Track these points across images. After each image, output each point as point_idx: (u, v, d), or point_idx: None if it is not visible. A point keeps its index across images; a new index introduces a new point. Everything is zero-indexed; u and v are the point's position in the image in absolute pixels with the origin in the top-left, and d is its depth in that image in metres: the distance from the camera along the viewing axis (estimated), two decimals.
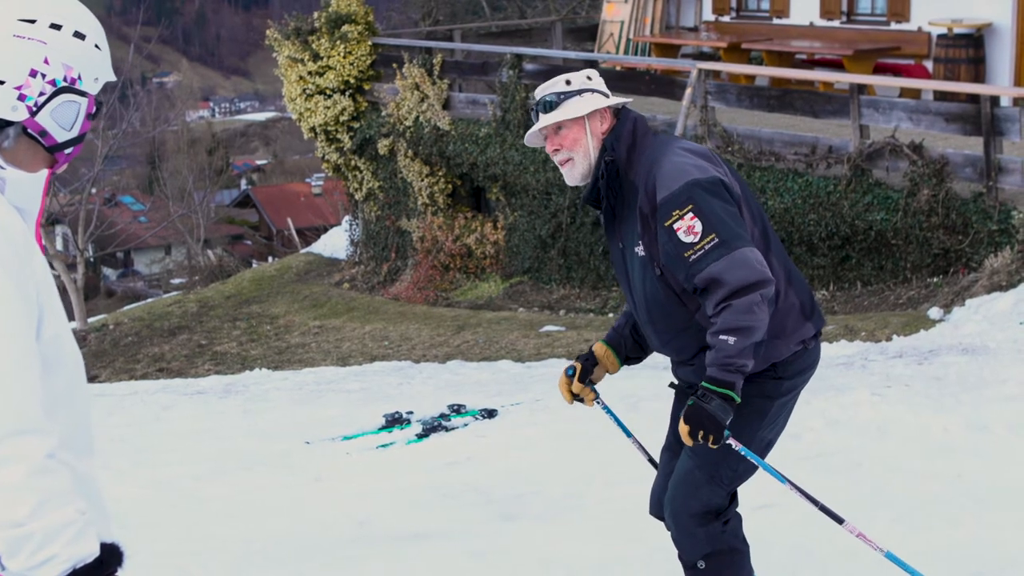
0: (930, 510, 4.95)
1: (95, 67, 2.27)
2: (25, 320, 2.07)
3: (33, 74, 2.19)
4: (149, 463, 7.27)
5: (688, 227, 3.25)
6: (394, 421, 7.84)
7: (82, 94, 2.25)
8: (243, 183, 56.10)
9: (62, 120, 2.24)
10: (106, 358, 15.71)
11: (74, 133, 2.27)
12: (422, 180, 16.15)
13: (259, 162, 63.78)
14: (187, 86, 77.09)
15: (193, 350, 15.29)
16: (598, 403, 3.76)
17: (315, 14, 16.91)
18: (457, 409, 7.95)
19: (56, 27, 2.21)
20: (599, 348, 3.74)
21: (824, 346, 9.27)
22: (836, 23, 15.20)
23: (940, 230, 10.88)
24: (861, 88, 11.76)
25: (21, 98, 2.18)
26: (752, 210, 3.42)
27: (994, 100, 10.71)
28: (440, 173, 16.03)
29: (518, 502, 5.74)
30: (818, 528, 4.65)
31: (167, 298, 19.93)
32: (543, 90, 3.49)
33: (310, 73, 16.71)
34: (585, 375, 3.72)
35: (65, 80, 2.22)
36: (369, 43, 16.68)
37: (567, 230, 14.32)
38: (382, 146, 16.49)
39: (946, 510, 4.93)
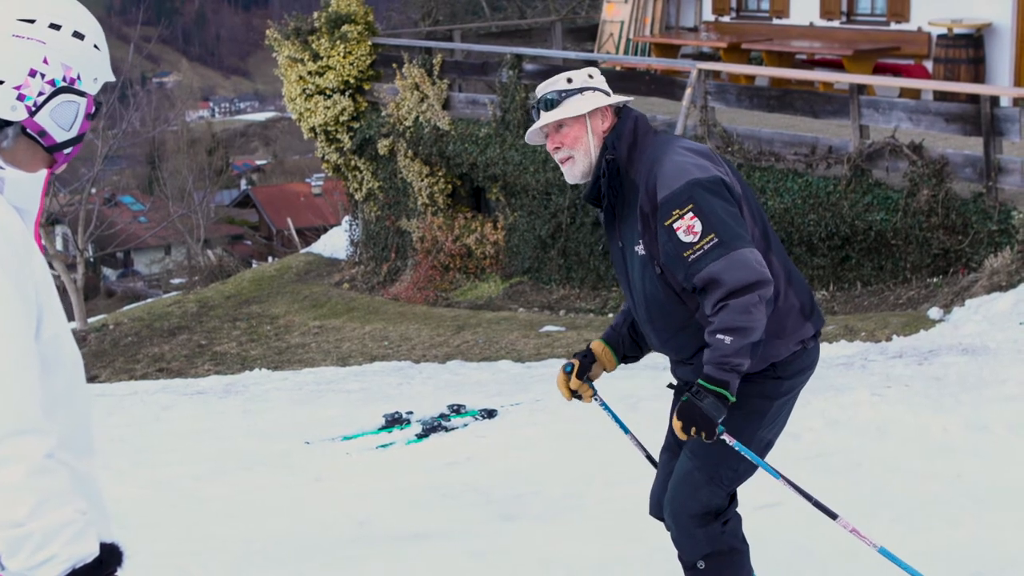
0: (930, 510, 4.95)
1: (94, 67, 2.27)
2: (24, 320, 2.07)
3: (32, 74, 2.19)
4: (149, 463, 7.27)
5: (688, 227, 3.25)
6: (394, 421, 7.84)
7: (81, 94, 2.26)
8: (243, 183, 56.11)
9: (61, 120, 2.24)
10: (106, 358, 15.71)
11: (73, 133, 2.27)
12: (422, 180, 16.15)
13: (259, 162, 63.79)
14: (187, 86, 77.10)
15: (193, 350, 15.29)
16: (596, 400, 3.77)
17: (315, 14, 16.91)
18: (457, 409, 7.95)
19: (55, 27, 2.21)
20: (597, 346, 3.74)
21: (824, 346, 9.28)
22: (836, 23, 15.20)
23: (940, 230, 10.88)
24: (861, 88, 11.76)
25: (20, 98, 2.18)
26: (752, 210, 3.42)
27: (994, 100, 10.71)
28: (440, 173, 16.03)
29: (518, 502, 5.74)
30: (818, 528, 4.65)
31: (167, 298, 19.93)
32: (544, 88, 3.49)
33: (310, 73, 16.71)
34: (583, 372, 3.72)
35: (64, 80, 2.22)
36: (369, 43, 16.68)
37: (567, 230, 14.32)
38: (382, 146, 16.49)
39: (946, 510, 4.93)
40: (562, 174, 3.56)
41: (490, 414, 7.80)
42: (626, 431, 3.84)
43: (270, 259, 30.78)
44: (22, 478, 1.99)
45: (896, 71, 13.97)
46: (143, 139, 36.92)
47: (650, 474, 3.85)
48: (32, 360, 2.07)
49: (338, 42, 16.51)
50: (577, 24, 20.18)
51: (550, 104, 3.46)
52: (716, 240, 3.22)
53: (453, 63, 16.07)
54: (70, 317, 19.08)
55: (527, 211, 14.84)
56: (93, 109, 2.30)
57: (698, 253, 3.23)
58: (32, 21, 2.19)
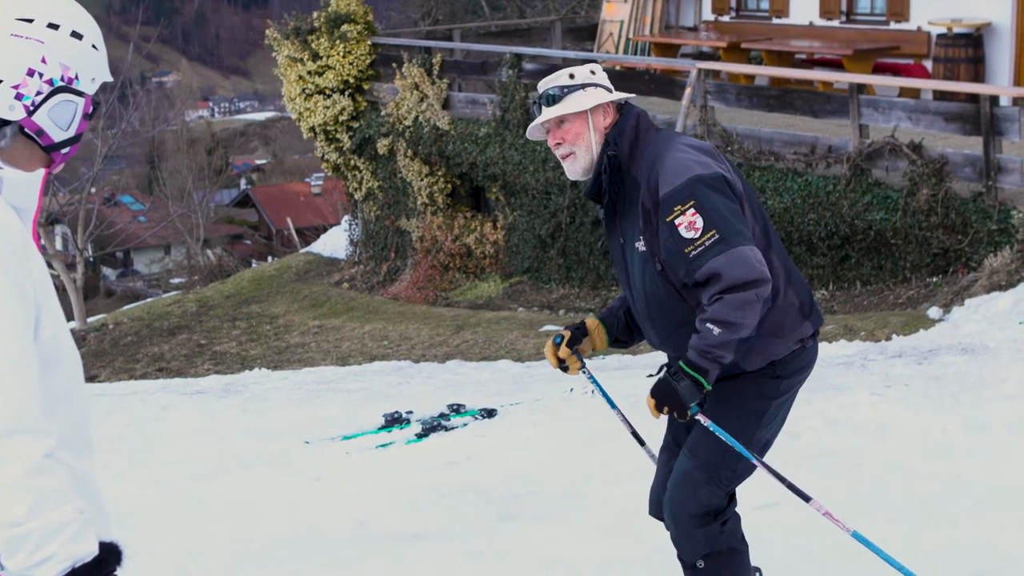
0: (929, 510, 4.95)
1: (92, 67, 2.27)
2: (23, 320, 2.07)
3: (31, 73, 2.19)
4: (148, 463, 7.27)
5: (689, 223, 3.25)
6: (393, 421, 7.84)
7: (79, 94, 2.25)
8: (242, 183, 56.10)
9: (59, 120, 2.24)
10: (105, 358, 15.71)
11: (71, 133, 2.27)
12: (421, 180, 16.15)
13: (258, 162, 63.78)
14: (186, 86, 77.12)
15: (192, 350, 15.29)
16: (583, 372, 3.75)
17: (314, 14, 16.90)
18: (456, 409, 7.95)
19: (54, 27, 2.21)
20: (591, 322, 3.74)
21: (824, 346, 9.28)
22: (835, 23, 15.20)
23: (939, 230, 10.88)
24: (860, 88, 11.76)
25: (18, 97, 2.18)
26: (753, 208, 3.42)
27: (993, 100, 10.71)
28: (439, 173, 16.03)
29: (517, 502, 5.74)
30: (818, 528, 4.65)
31: (166, 298, 19.93)
32: (546, 84, 3.48)
33: (309, 73, 16.71)
34: (573, 343, 3.71)
35: (62, 80, 2.22)
36: (368, 43, 16.67)
37: (566, 230, 14.32)
38: (381, 146, 16.49)
39: (945, 510, 4.93)
40: (562, 173, 3.57)
41: (490, 414, 7.80)
42: (613, 406, 3.84)
43: (270, 259, 30.78)
44: (21, 478, 1.99)
45: (896, 71, 13.96)
46: (143, 139, 36.94)
47: (649, 474, 3.85)
48: (31, 360, 2.07)
49: (338, 42, 16.51)
50: (577, 23, 20.18)
51: (552, 100, 3.45)
52: (717, 236, 3.22)
53: (453, 63, 16.07)
54: (69, 317, 19.08)
55: (527, 211, 14.84)
56: (91, 109, 2.30)
57: (699, 249, 3.23)
58: (30, 21, 2.19)
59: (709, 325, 3.22)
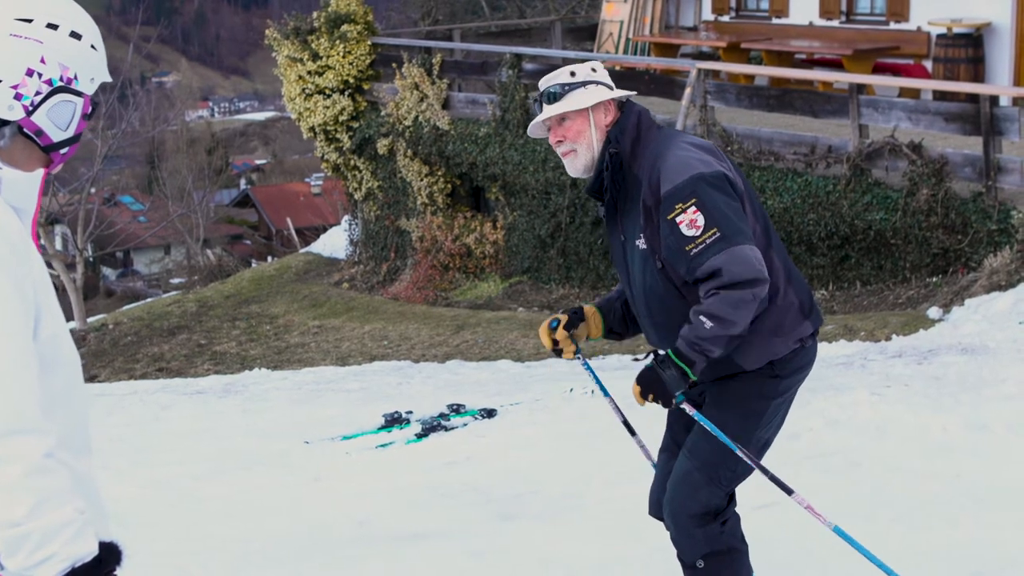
0: (929, 510, 4.95)
1: (91, 67, 2.27)
2: (23, 319, 2.07)
3: (30, 73, 2.19)
4: (148, 463, 7.28)
5: (690, 221, 3.25)
6: (393, 421, 7.84)
7: (78, 94, 2.25)
8: (242, 183, 56.10)
9: (58, 120, 2.24)
10: (105, 358, 15.71)
11: (70, 133, 2.27)
12: (421, 180, 16.15)
13: (258, 162, 63.77)
14: (186, 86, 77.12)
15: (192, 350, 15.29)
16: (578, 358, 3.74)
17: (314, 14, 16.90)
18: (456, 409, 7.96)
19: (53, 27, 2.21)
20: (588, 309, 3.74)
21: (823, 346, 9.28)
22: (835, 23, 15.20)
23: (939, 230, 10.87)
24: (860, 88, 11.76)
25: (17, 97, 2.18)
26: (754, 207, 3.42)
27: (993, 100, 10.71)
28: (439, 173, 16.03)
29: (517, 502, 5.74)
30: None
31: (166, 298, 19.93)
32: (547, 81, 3.48)
33: (309, 73, 16.70)
34: (569, 327, 3.70)
35: (61, 80, 2.22)
36: (368, 43, 16.67)
37: (566, 230, 14.32)
38: (381, 146, 16.49)
39: (945, 510, 4.93)
40: (562, 173, 3.57)
41: (489, 414, 7.80)
42: (606, 394, 3.84)
43: (269, 259, 30.78)
44: (21, 478, 1.99)
45: (895, 71, 13.96)
46: (142, 139, 36.93)
47: (649, 474, 3.85)
48: (31, 359, 2.07)
49: (337, 42, 16.50)
50: (576, 23, 20.18)
51: (553, 97, 3.45)
52: (718, 235, 3.22)
53: (452, 63, 16.07)
54: (69, 317, 19.07)
55: (526, 211, 14.84)
56: (90, 109, 2.30)
57: (700, 247, 3.24)
58: (30, 21, 2.19)
59: (702, 318, 3.23)
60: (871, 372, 7.94)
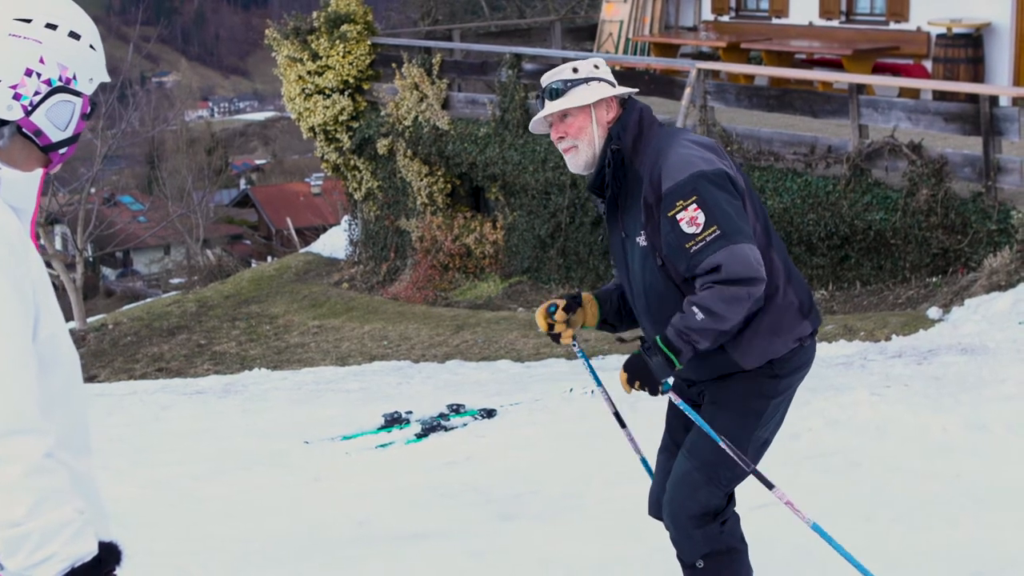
0: (929, 510, 4.95)
1: (90, 67, 2.28)
2: (22, 319, 2.07)
3: (28, 73, 2.19)
4: (148, 463, 7.27)
5: (691, 218, 3.25)
6: (393, 421, 7.84)
7: (77, 94, 2.25)
8: (242, 183, 56.10)
9: (57, 120, 2.24)
10: (105, 358, 15.71)
11: (69, 133, 2.27)
12: (421, 180, 16.15)
13: (258, 162, 63.77)
14: (186, 86, 77.12)
15: (192, 350, 15.29)
16: (573, 344, 3.72)
17: (314, 14, 16.90)
18: (456, 409, 7.96)
19: (52, 27, 2.21)
20: (586, 296, 3.72)
21: (823, 346, 9.28)
22: (835, 23, 15.20)
23: (939, 230, 10.88)
24: (860, 88, 11.76)
25: (16, 97, 2.18)
26: (754, 206, 3.42)
27: (993, 100, 10.71)
28: (439, 173, 16.03)
29: (517, 502, 5.74)
30: None
31: (166, 298, 19.93)
32: (550, 77, 3.47)
33: (309, 73, 16.70)
34: (568, 310, 3.68)
35: (60, 80, 2.22)
36: (368, 43, 16.67)
37: (566, 230, 14.32)
38: (381, 146, 16.49)
39: (945, 510, 4.93)
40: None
41: (489, 414, 7.80)
42: (598, 383, 3.83)
43: (269, 259, 30.78)
44: (20, 478, 1.99)
45: (895, 71, 13.96)
46: (142, 139, 36.91)
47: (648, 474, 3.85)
48: (30, 359, 2.07)
49: (337, 42, 16.50)
50: (576, 23, 20.18)
51: (555, 93, 3.44)
52: (718, 232, 3.23)
53: (452, 63, 16.07)
54: (69, 317, 19.07)
55: (526, 211, 14.84)
56: (88, 109, 2.30)
57: (700, 245, 3.24)
58: (28, 21, 2.19)
59: (695, 309, 3.24)
60: (871, 372, 7.94)
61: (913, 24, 14.22)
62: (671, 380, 3.45)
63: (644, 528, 4.12)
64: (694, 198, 3.25)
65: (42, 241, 20.96)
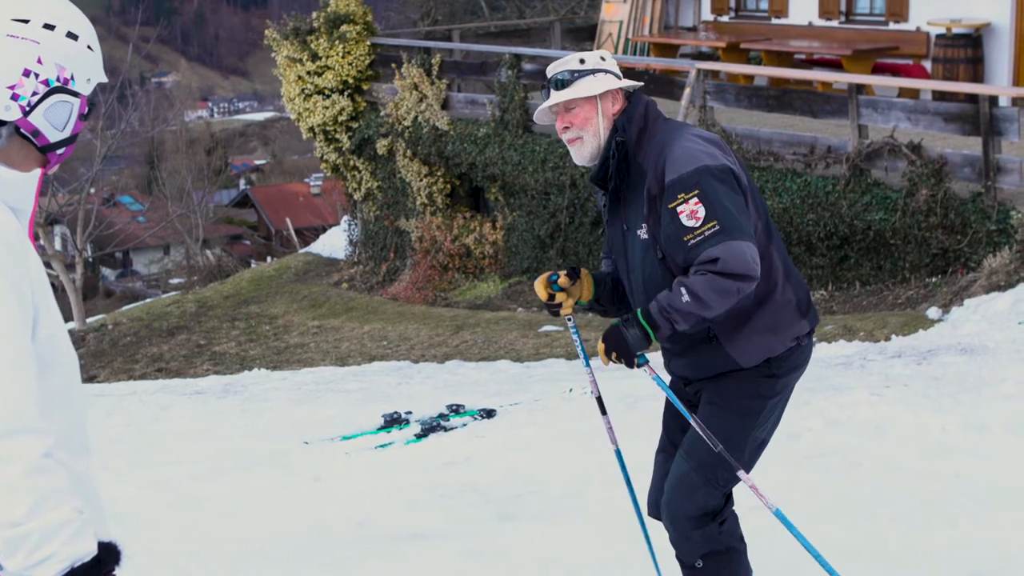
0: (929, 510, 4.95)
1: (88, 68, 2.28)
2: (21, 320, 2.07)
3: (26, 74, 2.19)
4: (147, 463, 7.27)
5: (691, 211, 3.25)
6: (393, 421, 7.84)
7: (75, 94, 2.26)
8: (242, 183, 56.10)
9: (55, 120, 2.24)
10: (105, 358, 15.71)
11: (67, 133, 2.27)
12: (421, 180, 16.15)
13: (258, 162, 63.77)
14: (186, 86, 77.11)
15: (192, 350, 15.29)
16: (569, 318, 3.71)
17: (314, 14, 16.90)
18: (456, 409, 7.95)
19: (49, 27, 2.21)
20: (584, 271, 3.71)
21: (823, 346, 9.28)
22: (835, 23, 15.20)
23: (939, 230, 10.88)
24: (860, 88, 11.76)
25: (14, 97, 2.18)
26: (756, 203, 3.42)
27: (993, 100, 10.71)
28: (439, 173, 16.03)
29: (517, 502, 5.73)
30: (818, 528, 4.65)
31: (166, 298, 19.92)
32: (556, 68, 3.47)
33: (309, 73, 16.70)
34: (569, 279, 3.64)
35: (58, 80, 2.22)
36: (368, 43, 16.67)
37: (566, 230, 14.32)
38: (381, 146, 16.49)
39: (945, 510, 4.93)
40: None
41: (489, 414, 7.80)
42: (587, 363, 3.82)
43: (269, 259, 30.78)
44: (20, 478, 1.99)
45: (895, 71, 13.96)
46: (142, 139, 36.90)
47: (648, 473, 3.84)
48: (29, 360, 2.07)
49: (337, 42, 16.51)
50: (576, 24, 20.18)
51: (561, 84, 3.44)
52: (717, 228, 3.23)
53: (452, 63, 16.07)
54: (68, 317, 19.07)
55: (526, 211, 14.84)
56: (86, 109, 2.30)
57: (698, 238, 3.24)
58: (26, 21, 2.19)
59: (683, 290, 3.25)
60: (870, 372, 7.94)
61: (912, 24, 14.22)
62: (647, 354, 3.45)
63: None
64: (696, 192, 3.26)
65: (41, 241, 20.95)
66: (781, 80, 13.73)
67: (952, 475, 5.38)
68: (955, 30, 13.40)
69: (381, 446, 7.33)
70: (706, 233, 3.23)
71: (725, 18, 16.67)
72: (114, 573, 2.12)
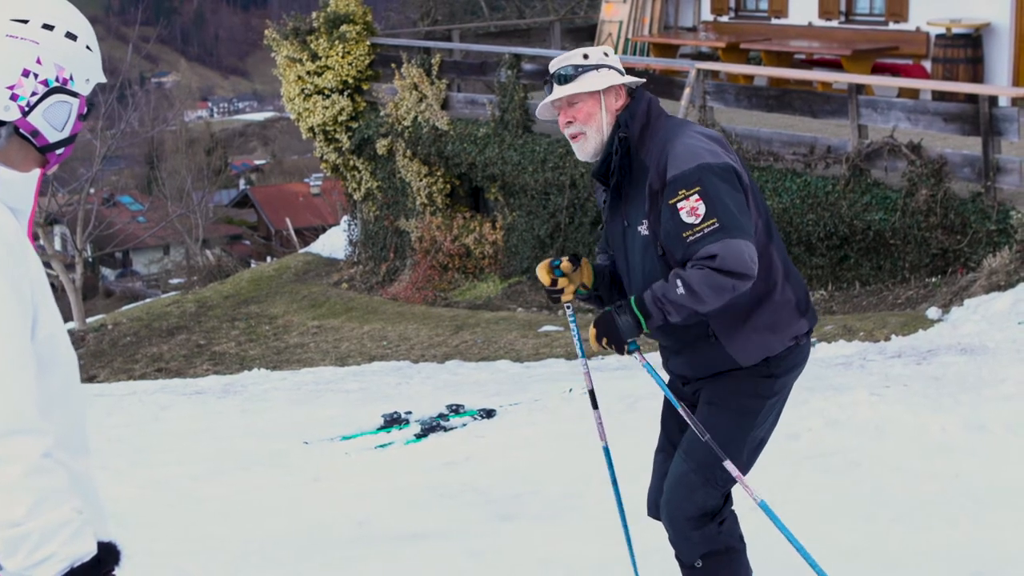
0: (929, 510, 4.95)
1: (87, 68, 2.28)
2: (20, 320, 2.07)
3: (25, 74, 2.19)
4: (147, 463, 7.27)
5: (691, 208, 3.25)
6: (392, 421, 7.84)
7: (74, 95, 2.26)
8: (241, 183, 56.09)
9: (54, 120, 2.24)
10: (105, 358, 15.71)
11: (65, 134, 2.27)
12: (420, 180, 16.15)
13: (257, 162, 63.77)
14: (185, 86, 77.10)
15: (191, 350, 15.28)
16: (568, 307, 3.70)
17: (313, 14, 16.90)
18: (455, 409, 7.95)
19: (48, 28, 2.21)
20: (584, 260, 3.70)
21: (823, 346, 9.28)
22: (834, 23, 15.20)
23: (938, 230, 10.88)
24: (859, 88, 11.76)
25: (13, 98, 2.18)
26: (757, 202, 3.42)
27: (992, 100, 10.71)
28: (439, 173, 16.03)
29: (516, 502, 5.73)
30: (818, 528, 4.65)
31: (165, 298, 19.92)
32: (559, 62, 3.47)
33: (308, 73, 16.70)
34: (571, 264, 3.62)
35: (57, 80, 2.22)
36: (367, 43, 16.67)
37: (565, 230, 14.32)
38: (380, 146, 16.49)
39: (945, 510, 4.93)
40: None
41: (489, 414, 7.80)
42: (582, 354, 3.82)
43: (269, 259, 30.78)
44: (19, 478, 1.99)
45: (895, 71, 13.97)
46: (142, 139, 36.89)
47: (648, 473, 3.84)
48: (29, 360, 2.07)
49: (337, 42, 16.50)
50: (576, 24, 20.18)
51: (565, 79, 3.44)
52: (717, 225, 3.23)
53: (452, 63, 16.07)
54: (68, 317, 19.06)
55: (526, 211, 14.84)
56: (85, 110, 2.30)
57: (697, 235, 3.24)
58: (25, 21, 2.20)
59: (679, 282, 3.26)
60: (870, 372, 7.94)
61: (912, 24, 14.22)
62: (638, 341, 3.45)
63: (643, 528, 4.11)
64: (697, 189, 3.26)
65: (41, 241, 20.95)
66: (781, 80, 13.73)
67: (952, 475, 5.38)
68: (955, 30, 13.40)
69: (381, 446, 7.33)
70: (705, 230, 3.23)
71: (725, 18, 16.67)
72: (114, 573, 2.12)
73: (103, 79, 2.33)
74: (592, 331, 3.42)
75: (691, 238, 3.25)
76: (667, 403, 3.69)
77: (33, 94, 2.20)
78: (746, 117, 13.13)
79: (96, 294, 38.93)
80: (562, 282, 3.62)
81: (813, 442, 6.08)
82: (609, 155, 3.43)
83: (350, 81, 16.62)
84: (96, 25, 2.41)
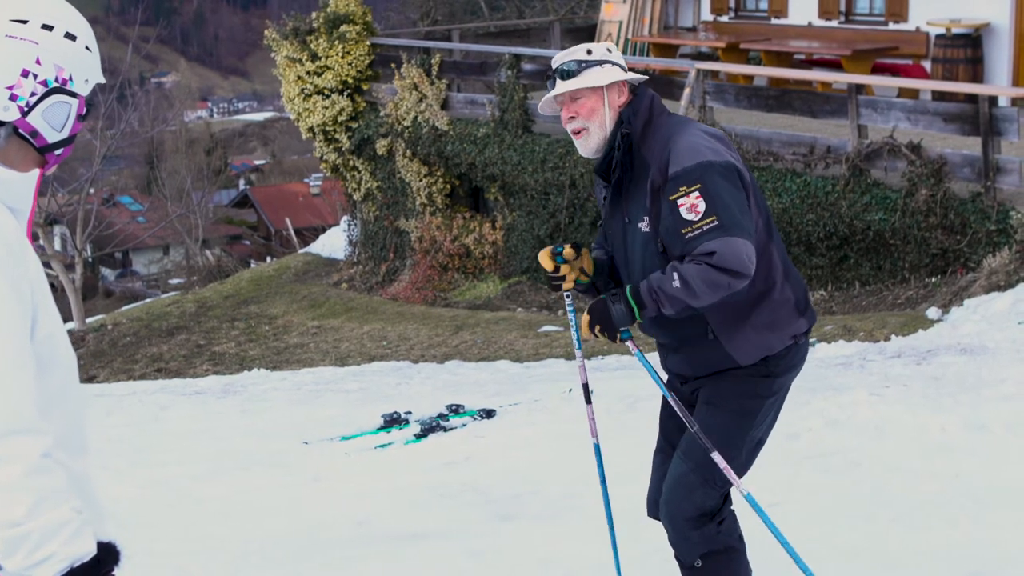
0: (928, 510, 4.95)
1: (86, 68, 2.28)
2: (20, 320, 2.07)
3: (25, 74, 2.19)
4: (147, 463, 7.27)
5: (691, 205, 3.26)
6: (392, 421, 7.84)
7: (73, 95, 2.26)
8: (241, 183, 56.08)
9: (53, 121, 2.24)
10: (104, 358, 15.70)
11: (65, 134, 2.27)
12: (420, 180, 16.15)
13: (257, 162, 63.76)
14: (185, 86, 77.06)
15: (191, 350, 15.28)
16: (568, 296, 3.69)
17: (313, 14, 16.90)
18: (455, 409, 7.95)
19: (48, 28, 2.21)
20: (585, 249, 3.69)
21: (822, 346, 9.28)
22: (834, 23, 15.21)
23: (938, 230, 10.88)
24: (859, 88, 11.76)
25: (12, 98, 2.19)
26: (758, 201, 3.43)
27: (992, 100, 10.71)
28: (438, 173, 16.03)
29: (516, 502, 5.74)
30: (818, 528, 4.65)
31: (165, 298, 19.92)
32: (563, 57, 3.47)
33: (308, 73, 16.70)
34: (573, 251, 3.61)
35: (56, 81, 2.23)
36: (367, 43, 16.67)
37: (565, 230, 14.32)
38: (380, 146, 16.49)
39: (944, 510, 4.93)
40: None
41: (488, 414, 7.80)
42: (579, 347, 3.82)
43: (268, 259, 30.78)
44: (19, 478, 1.99)
45: (894, 71, 13.97)
46: (141, 139, 36.87)
47: (648, 474, 3.84)
48: (28, 360, 2.07)
49: (336, 42, 16.50)
50: (575, 24, 20.17)
51: (568, 74, 3.44)
52: (716, 223, 3.23)
53: (451, 63, 16.07)
54: (68, 317, 19.06)
55: (525, 211, 14.84)
56: (84, 110, 2.30)
57: (696, 232, 3.24)
58: (25, 22, 2.20)
59: (675, 275, 3.26)
60: (870, 372, 7.94)
61: (912, 24, 14.22)
62: (631, 330, 3.45)
63: (643, 528, 4.12)
64: (698, 186, 3.26)
65: (41, 241, 20.95)
66: (781, 80, 13.73)
67: (952, 475, 5.38)
68: (955, 30, 13.40)
69: (381, 446, 7.33)
70: (704, 227, 3.23)
71: (725, 18, 16.68)
72: (113, 573, 2.12)
73: (102, 80, 2.33)
74: (585, 318, 3.42)
75: (690, 235, 3.25)
76: (665, 404, 3.69)
77: (32, 94, 2.20)
78: (746, 117, 13.13)
79: (96, 294, 38.93)
80: (564, 269, 3.61)
81: (813, 442, 6.08)
82: (611, 151, 3.43)
83: (350, 81, 16.62)
84: (96, 25, 2.39)
